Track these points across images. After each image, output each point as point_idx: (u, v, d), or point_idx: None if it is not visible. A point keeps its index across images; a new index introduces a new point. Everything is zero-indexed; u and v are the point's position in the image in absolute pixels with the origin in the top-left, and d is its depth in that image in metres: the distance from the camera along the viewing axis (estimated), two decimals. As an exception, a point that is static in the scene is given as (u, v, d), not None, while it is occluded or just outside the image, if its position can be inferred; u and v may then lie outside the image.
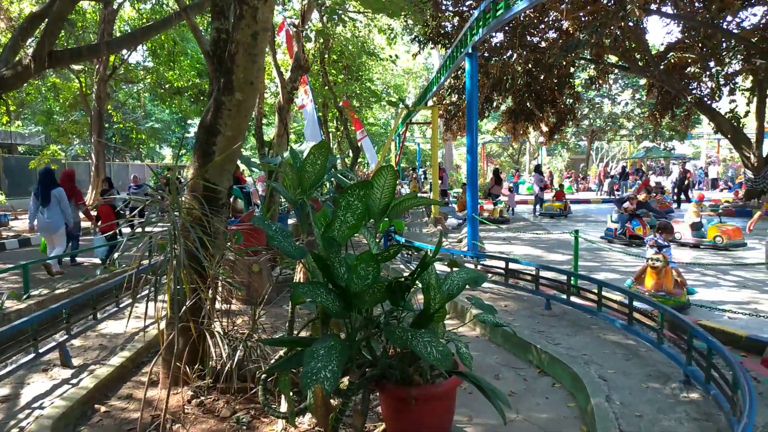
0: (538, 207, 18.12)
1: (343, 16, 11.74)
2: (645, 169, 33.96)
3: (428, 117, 17.77)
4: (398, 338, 2.46)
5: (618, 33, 13.57)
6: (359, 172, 28.36)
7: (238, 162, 5.23)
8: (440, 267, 6.81)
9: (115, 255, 8.61)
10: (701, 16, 13.71)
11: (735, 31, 14.18)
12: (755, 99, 14.42)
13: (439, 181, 18.06)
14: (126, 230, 10.13)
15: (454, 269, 3.05)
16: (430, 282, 2.69)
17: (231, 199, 8.49)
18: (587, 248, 10.00)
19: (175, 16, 8.58)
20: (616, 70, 20.42)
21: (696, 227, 10.85)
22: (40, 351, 4.36)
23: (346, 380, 3.04)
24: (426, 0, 12.77)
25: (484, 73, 15.68)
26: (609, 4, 11.64)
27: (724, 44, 14.53)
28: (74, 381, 4.23)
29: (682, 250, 10.38)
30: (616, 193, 26.36)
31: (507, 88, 16.40)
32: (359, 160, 20.56)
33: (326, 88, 17.33)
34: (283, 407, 3.18)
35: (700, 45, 14.60)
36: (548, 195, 19.76)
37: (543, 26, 15.08)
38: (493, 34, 14.56)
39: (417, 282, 2.81)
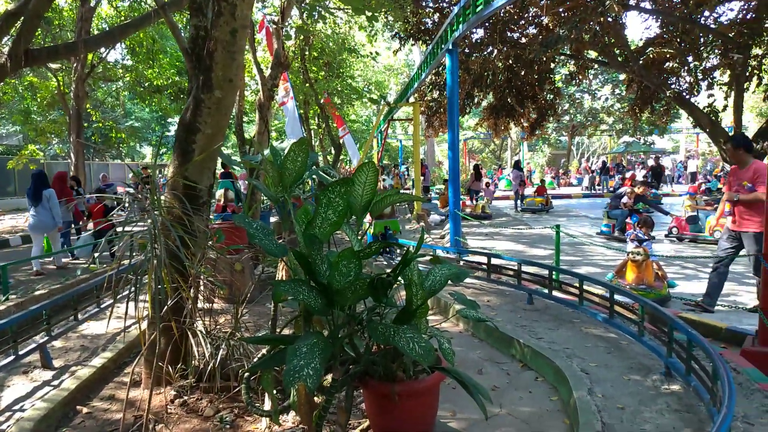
0: (519, 202, 18.28)
1: (323, 12, 11.67)
2: (625, 164, 34.34)
3: (410, 114, 17.79)
4: (381, 335, 2.46)
5: (597, 28, 13.65)
6: (341, 169, 28.32)
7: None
8: (423, 263, 6.83)
9: (96, 255, 8.59)
10: (679, 12, 13.86)
11: (712, 26, 14.35)
12: (733, 93, 14.61)
13: (422, 178, 18.09)
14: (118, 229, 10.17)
15: (437, 265, 3.06)
16: (412, 278, 2.70)
17: (223, 191, 8.56)
18: (569, 243, 10.09)
19: (153, 13, 8.46)
20: (596, 66, 20.58)
21: (692, 221, 10.75)
22: (20, 353, 4.31)
23: (329, 377, 3.04)
24: (406, -4, 12.75)
25: (465, 69, 15.70)
26: (588, 0, 11.71)
27: (702, 39, 14.70)
28: (55, 382, 4.19)
29: (680, 245, 10.34)
30: (596, 187, 26.64)
31: (488, 84, 16.44)
32: (341, 157, 20.51)
33: (307, 85, 17.25)
34: (267, 405, 3.17)
35: (678, 40, 14.75)
36: (529, 190, 19.93)
37: (523, 22, 15.13)
38: (474, 30, 14.56)
39: (399, 278, 2.81)
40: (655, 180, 20.56)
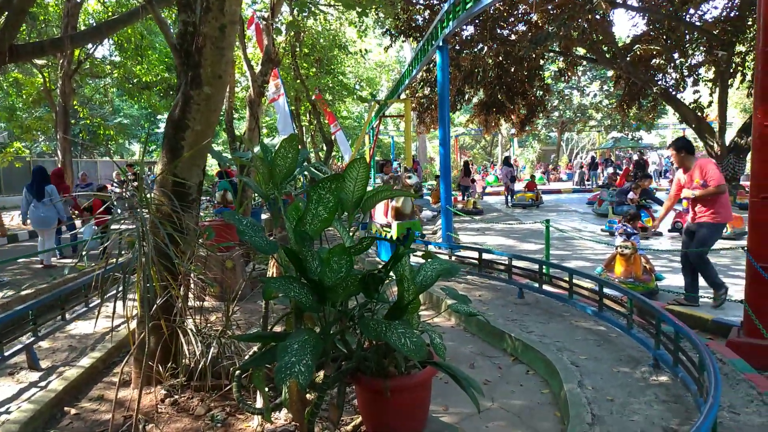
0: (510, 198, 18.37)
1: (313, 9, 11.63)
2: (614, 159, 34.53)
3: (401, 110, 17.78)
4: (372, 330, 2.46)
5: (585, 26, 13.75)
6: (333, 165, 28.25)
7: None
8: (415, 259, 6.84)
9: (83, 253, 8.54)
10: (665, 9, 13.97)
11: (697, 23, 14.49)
12: (717, 89, 14.76)
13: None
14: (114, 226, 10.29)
15: (428, 261, 3.06)
16: (403, 273, 2.70)
17: (223, 193, 8.59)
18: (559, 237, 10.15)
19: (141, 9, 8.38)
20: (585, 62, 20.71)
21: None
22: (6, 354, 4.26)
23: (321, 374, 3.04)
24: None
25: (456, 66, 15.74)
26: (576, -3, 11.77)
27: (687, 36, 14.84)
28: (42, 384, 4.15)
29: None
30: (586, 183, 26.77)
31: (478, 81, 16.50)
32: (333, 153, 20.47)
33: (298, 81, 17.19)
34: (259, 403, 3.17)
35: (664, 37, 14.88)
36: (520, 185, 20.02)
37: (513, 19, 15.19)
38: (464, 27, 14.62)
39: (391, 274, 2.81)
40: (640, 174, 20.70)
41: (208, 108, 3.80)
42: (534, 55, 15.28)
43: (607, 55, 15.45)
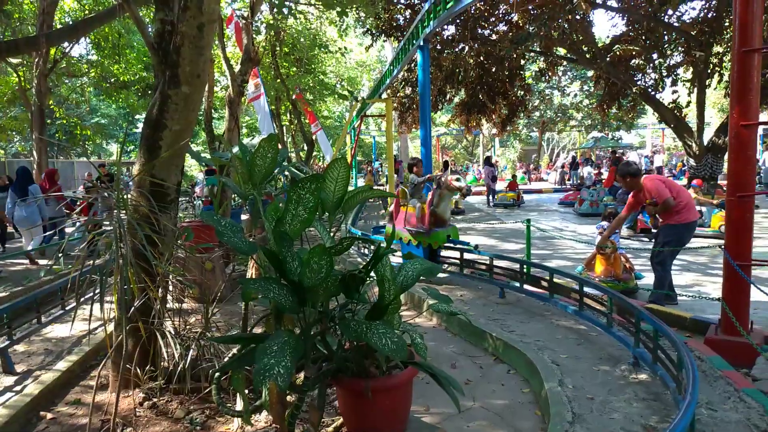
0: (491, 198, 18.48)
1: (293, 8, 11.57)
2: (594, 159, 34.92)
3: (383, 110, 17.77)
4: (353, 331, 2.46)
5: (566, 26, 13.88)
6: (315, 165, 28.16)
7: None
8: (397, 259, 6.83)
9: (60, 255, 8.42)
10: (644, 10, 14.14)
11: (675, 24, 14.69)
12: (696, 90, 14.98)
13: (395, 174, 18.11)
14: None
15: (409, 261, 3.06)
16: (384, 274, 2.69)
17: (210, 188, 8.55)
18: (540, 237, 10.22)
19: (118, 7, 8.27)
20: (565, 63, 20.87)
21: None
22: (-20, 358, 4.17)
23: (301, 376, 3.02)
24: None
25: (437, 65, 15.77)
26: (557, -2, 11.86)
27: (666, 37, 15.04)
28: (17, 388, 4.07)
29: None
30: (567, 183, 27.01)
31: (459, 81, 16.56)
32: (314, 153, 20.39)
33: (278, 81, 17.10)
34: (239, 406, 3.13)
35: (643, 38, 15.07)
36: (501, 185, 20.13)
37: (493, 19, 15.25)
38: (445, 26, 14.64)
39: (372, 274, 2.80)
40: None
41: (186, 107, 3.75)
42: (515, 55, 15.38)
43: (588, 56, 15.60)
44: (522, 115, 21.14)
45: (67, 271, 6.96)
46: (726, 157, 6.60)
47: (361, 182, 25.59)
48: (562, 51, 17.39)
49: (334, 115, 35.26)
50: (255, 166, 3.02)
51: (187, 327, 4.29)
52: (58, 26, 14.96)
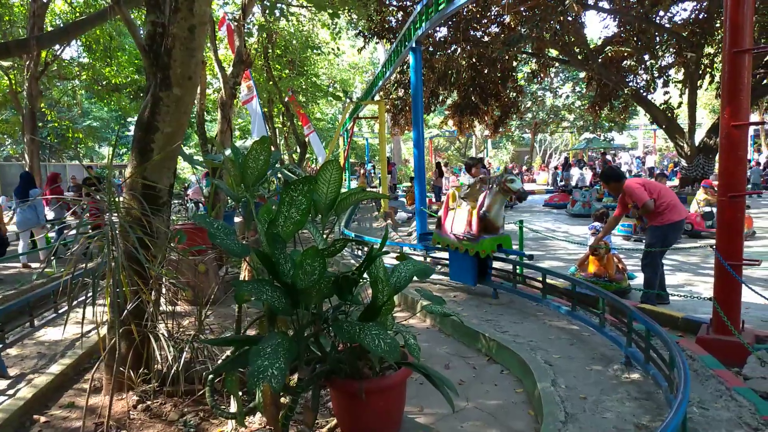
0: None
1: (285, 10, 11.56)
2: (586, 160, 35.08)
3: (375, 112, 17.78)
4: (346, 333, 2.46)
5: (557, 27, 13.94)
6: (308, 167, 28.13)
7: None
8: (390, 260, 6.84)
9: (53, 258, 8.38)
10: (635, 11, 14.24)
11: (667, 25, 14.79)
12: (687, 91, 15.09)
13: (389, 176, 18.15)
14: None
15: (402, 262, 3.06)
16: (377, 275, 2.70)
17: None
18: (533, 238, 10.25)
19: (109, 9, 8.24)
20: (557, 64, 20.98)
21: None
22: (-28, 363, 4.15)
23: (295, 377, 3.02)
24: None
25: (429, 67, 15.82)
26: (548, 0, 11.92)
27: (657, 38, 15.15)
28: (10, 392, 4.03)
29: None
30: (559, 184, 27.08)
31: (452, 83, 16.61)
32: (307, 155, 20.39)
33: (271, 83, 17.07)
34: (233, 408, 3.13)
35: (635, 39, 15.17)
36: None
37: (486, 21, 15.31)
38: (437, 28, 14.69)
39: (365, 276, 2.81)
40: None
41: (178, 110, 3.75)
42: (507, 57, 15.45)
43: (579, 57, 15.68)
44: (514, 116, 21.24)
45: (60, 274, 6.94)
46: (717, 157, 6.66)
47: (354, 184, 25.59)
48: (554, 52, 17.48)
49: (326, 117, 35.26)
50: (247, 169, 3.02)
51: (181, 329, 4.28)
52: (49, 29, 14.88)
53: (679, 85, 15.89)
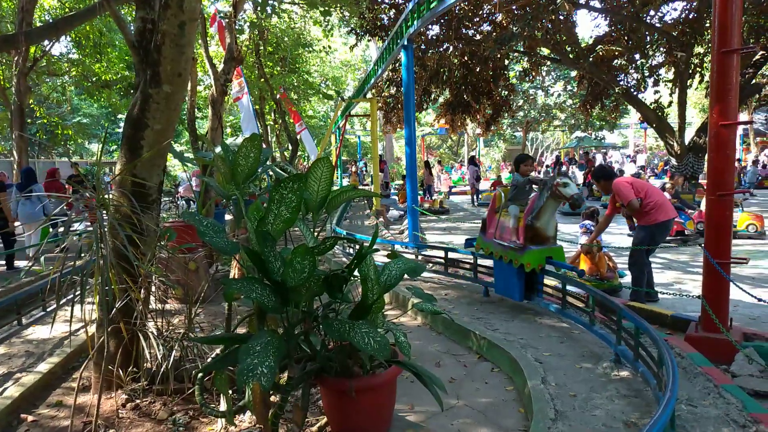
0: (476, 197, 18.60)
1: (277, 7, 11.51)
2: (577, 158, 35.24)
3: (367, 109, 17.76)
4: (336, 331, 2.45)
5: (549, 26, 13.97)
6: (299, 165, 28.06)
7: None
8: (382, 258, 6.84)
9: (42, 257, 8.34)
10: (626, 11, 14.28)
11: (657, 25, 14.86)
12: (677, 90, 15.17)
13: (381, 174, 18.15)
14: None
15: (393, 260, 3.06)
16: (368, 273, 2.70)
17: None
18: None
19: (98, 5, 8.16)
20: (549, 63, 21.02)
21: None
22: (-42, 361, 4.10)
23: (285, 375, 3.01)
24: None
25: (421, 65, 15.81)
26: (540, -2, 11.95)
27: (648, 37, 15.21)
28: (-3, 391, 4.00)
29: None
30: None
31: (444, 81, 16.61)
32: (299, 153, 20.34)
33: (262, 80, 17.01)
34: (222, 406, 3.12)
35: (626, 38, 15.22)
36: (485, 185, 20.22)
37: (477, 19, 15.31)
38: (429, 26, 14.68)
39: (355, 273, 2.80)
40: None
41: (167, 107, 3.72)
42: (499, 55, 15.46)
43: (571, 56, 15.72)
44: (506, 114, 21.27)
45: (48, 272, 6.89)
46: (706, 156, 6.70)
47: (346, 182, 25.57)
48: (545, 51, 17.52)
49: (318, 114, 35.18)
50: (238, 166, 3.00)
51: (171, 328, 4.25)
52: (38, 24, 14.74)
53: (670, 84, 15.96)
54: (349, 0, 10.46)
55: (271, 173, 4.47)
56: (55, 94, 23.05)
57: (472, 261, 6.38)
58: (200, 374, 2.97)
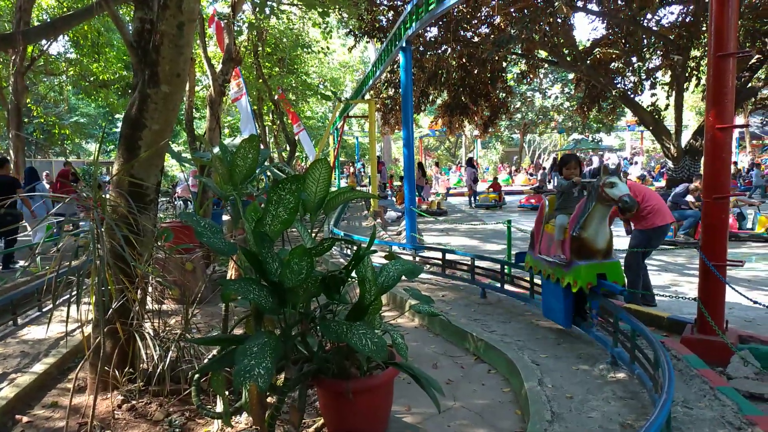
0: (473, 199, 18.62)
1: (275, 8, 11.52)
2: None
3: (365, 111, 17.76)
4: (333, 332, 2.45)
5: (547, 29, 14.00)
6: (298, 166, 28.05)
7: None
8: (379, 260, 6.84)
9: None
10: (624, 14, 14.33)
11: (654, 28, 14.91)
12: (674, 93, 15.21)
13: (378, 175, 18.14)
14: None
15: (390, 261, 3.06)
16: (365, 274, 2.70)
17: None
18: (521, 237, 10.28)
19: (96, 5, 8.16)
20: (546, 65, 21.07)
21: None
22: (-46, 361, 4.09)
23: (282, 377, 3.01)
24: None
25: (419, 67, 15.83)
26: (538, 1, 11.97)
27: (645, 41, 15.26)
28: (-8, 392, 3.99)
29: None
30: (549, 184, 27.20)
31: (442, 82, 16.62)
32: (297, 154, 20.33)
33: (261, 81, 17.00)
34: (219, 407, 3.12)
35: (623, 41, 15.28)
36: (483, 186, 20.23)
37: (476, 21, 15.34)
38: (428, 28, 14.71)
39: (353, 275, 2.81)
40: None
41: (165, 107, 3.72)
42: (497, 58, 15.48)
43: (568, 58, 15.76)
44: (504, 116, 21.33)
45: (44, 272, 6.87)
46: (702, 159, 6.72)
47: (343, 183, 25.56)
48: (543, 54, 17.55)
49: (317, 115, 35.17)
50: (236, 167, 3.00)
51: (167, 328, 4.24)
52: (36, 23, 14.72)
53: (666, 88, 16.01)
54: (347, 1, 10.46)
55: (269, 174, 4.47)
56: (52, 94, 23.02)
57: (469, 263, 6.38)
58: (197, 375, 2.97)
